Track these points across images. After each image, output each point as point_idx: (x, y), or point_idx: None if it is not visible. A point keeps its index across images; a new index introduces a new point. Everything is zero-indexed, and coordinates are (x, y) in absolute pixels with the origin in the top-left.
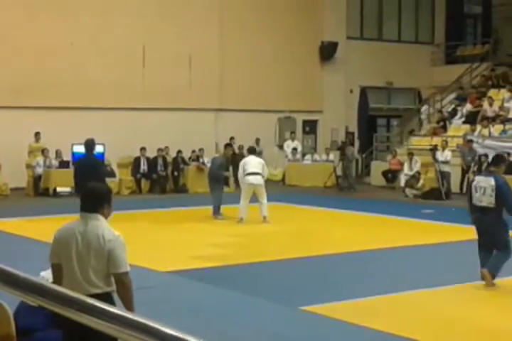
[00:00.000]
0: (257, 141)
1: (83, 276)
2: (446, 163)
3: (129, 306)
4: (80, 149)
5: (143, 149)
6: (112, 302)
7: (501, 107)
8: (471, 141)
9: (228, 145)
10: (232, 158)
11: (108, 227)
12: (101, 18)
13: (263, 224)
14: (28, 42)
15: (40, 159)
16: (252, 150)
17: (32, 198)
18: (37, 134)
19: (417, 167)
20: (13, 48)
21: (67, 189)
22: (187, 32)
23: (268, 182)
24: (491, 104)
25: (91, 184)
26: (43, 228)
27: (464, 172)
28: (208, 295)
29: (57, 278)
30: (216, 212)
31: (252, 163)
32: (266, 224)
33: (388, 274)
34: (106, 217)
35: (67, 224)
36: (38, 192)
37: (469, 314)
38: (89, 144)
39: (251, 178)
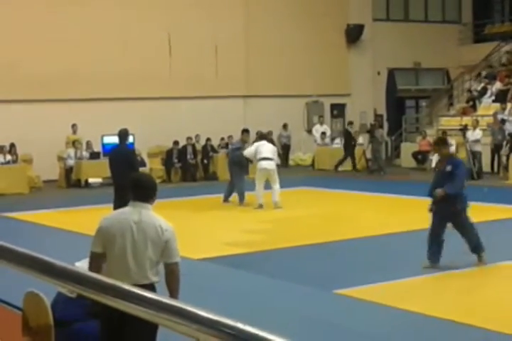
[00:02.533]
0: (285, 126)
1: (137, 266)
2: (476, 141)
3: (175, 295)
4: (110, 140)
5: (175, 143)
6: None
7: None
8: (503, 120)
9: (245, 131)
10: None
11: (161, 218)
12: (127, 7)
13: (294, 210)
14: (56, 35)
15: (71, 151)
16: (263, 136)
17: (64, 190)
18: (74, 126)
19: (452, 149)
20: (43, 41)
21: (99, 180)
22: (212, 18)
23: (298, 166)
24: None
25: (140, 174)
26: (76, 219)
27: (494, 151)
28: (241, 280)
29: (96, 268)
30: (227, 198)
31: (265, 147)
32: (278, 209)
33: (421, 256)
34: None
35: (117, 213)
36: (70, 183)
37: (506, 294)
38: (123, 134)
39: (265, 163)
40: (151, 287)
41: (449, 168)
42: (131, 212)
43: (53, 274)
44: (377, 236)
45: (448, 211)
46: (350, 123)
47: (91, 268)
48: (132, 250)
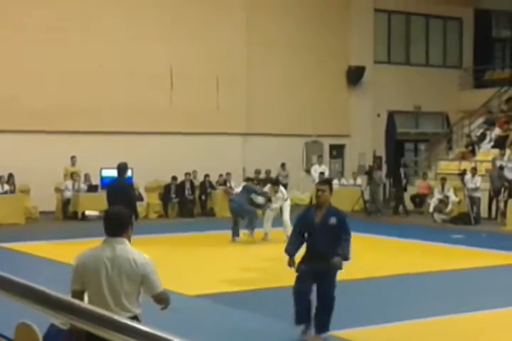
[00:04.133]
0: (283, 165)
1: (114, 301)
2: (476, 189)
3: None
4: (109, 173)
5: (174, 178)
6: None
7: None
8: (501, 167)
9: (248, 180)
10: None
11: (137, 251)
12: (129, 41)
13: None
14: (56, 68)
15: (68, 183)
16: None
17: (61, 222)
18: (72, 158)
19: (451, 196)
20: (43, 74)
21: (96, 213)
22: (214, 54)
23: (296, 206)
24: None
25: (112, 208)
26: (72, 251)
27: (492, 197)
28: (236, 318)
29: None
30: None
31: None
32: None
33: (418, 299)
34: (129, 239)
35: (90, 250)
36: (67, 215)
37: (506, 339)
38: (122, 168)
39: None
40: (134, 319)
41: (333, 220)
42: (103, 247)
43: (49, 305)
44: (374, 278)
45: (323, 269)
46: (405, 165)
47: None
48: (108, 286)
